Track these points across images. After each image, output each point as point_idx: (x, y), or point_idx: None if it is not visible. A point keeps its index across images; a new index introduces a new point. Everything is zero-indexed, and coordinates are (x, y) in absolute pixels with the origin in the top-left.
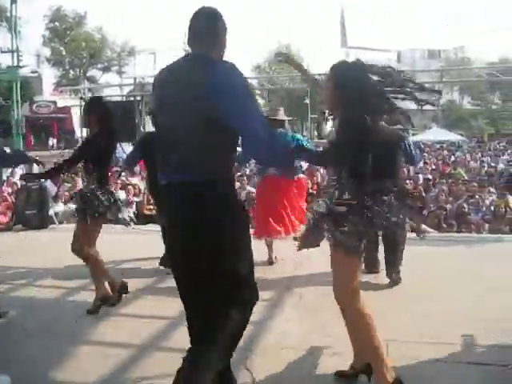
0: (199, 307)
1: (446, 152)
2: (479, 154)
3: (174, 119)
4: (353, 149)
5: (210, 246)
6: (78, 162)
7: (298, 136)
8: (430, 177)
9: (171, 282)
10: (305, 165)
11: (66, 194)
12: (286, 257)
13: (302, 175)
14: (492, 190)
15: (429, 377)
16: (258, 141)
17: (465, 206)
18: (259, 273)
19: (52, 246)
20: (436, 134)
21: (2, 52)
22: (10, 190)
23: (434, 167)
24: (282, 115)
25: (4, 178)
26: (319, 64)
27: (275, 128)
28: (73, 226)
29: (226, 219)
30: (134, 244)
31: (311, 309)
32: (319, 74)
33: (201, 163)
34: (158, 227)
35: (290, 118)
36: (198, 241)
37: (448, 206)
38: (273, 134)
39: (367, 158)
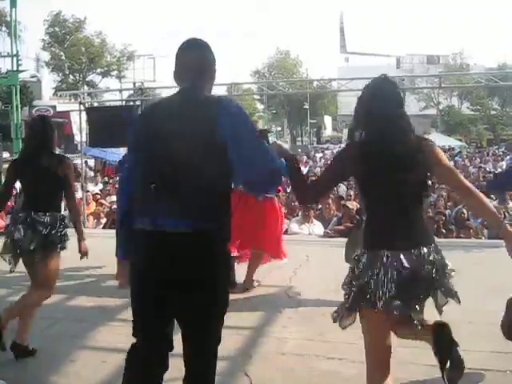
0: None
1: None
2: (478, 160)
3: (183, 158)
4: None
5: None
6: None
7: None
8: (430, 182)
9: None
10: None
11: None
12: (284, 263)
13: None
14: (491, 195)
15: (428, 382)
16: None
17: (464, 211)
18: (258, 279)
19: None
20: (435, 139)
21: (2, 56)
22: None
23: None
24: (259, 126)
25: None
26: (318, 69)
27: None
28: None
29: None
30: None
31: (310, 315)
32: (318, 80)
33: (214, 209)
34: None
35: (266, 128)
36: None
37: (447, 212)
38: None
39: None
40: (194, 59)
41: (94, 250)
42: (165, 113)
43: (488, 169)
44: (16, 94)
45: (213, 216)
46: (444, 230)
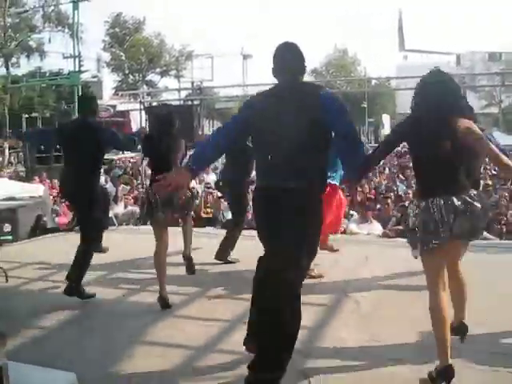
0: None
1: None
2: None
3: (293, 134)
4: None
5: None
6: None
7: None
8: (490, 182)
9: (231, 287)
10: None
11: (127, 196)
12: (341, 261)
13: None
14: None
15: None
16: (357, 141)
17: None
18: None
19: (111, 246)
20: (497, 138)
21: (65, 58)
22: None
23: (494, 172)
24: None
25: None
26: (377, 67)
27: None
28: (133, 227)
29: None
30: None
31: (368, 315)
32: (376, 79)
33: (312, 172)
34: (215, 230)
35: None
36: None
37: (510, 212)
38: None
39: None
40: (293, 59)
41: (150, 247)
42: (276, 99)
43: None
44: (78, 94)
45: (310, 177)
46: (505, 230)
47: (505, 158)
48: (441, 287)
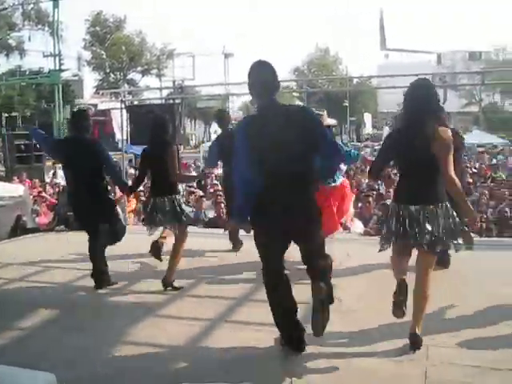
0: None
1: (486, 155)
2: None
3: (289, 149)
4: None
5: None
6: None
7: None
8: (471, 180)
9: (210, 285)
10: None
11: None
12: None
13: (339, 181)
14: None
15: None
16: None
17: (507, 210)
18: (296, 276)
19: None
20: (477, 136)
21: (45, 56)
22: (51, 191)
23: (474, 170)
24: (326, 120)
25: (47, 179)
26: (358, 66)
27: None
28: None
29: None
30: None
31: (351, 312)
32: (358, 77)
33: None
34: (196, 229)
35: (335, 123)
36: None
37: (489, 210)
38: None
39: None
40: (269, 80)
41: (135, 246)
42: (265, 124)
43: None
44: (58, 93)
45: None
46: (484, 227)
47: (457, 185)
48: (400, 276)
